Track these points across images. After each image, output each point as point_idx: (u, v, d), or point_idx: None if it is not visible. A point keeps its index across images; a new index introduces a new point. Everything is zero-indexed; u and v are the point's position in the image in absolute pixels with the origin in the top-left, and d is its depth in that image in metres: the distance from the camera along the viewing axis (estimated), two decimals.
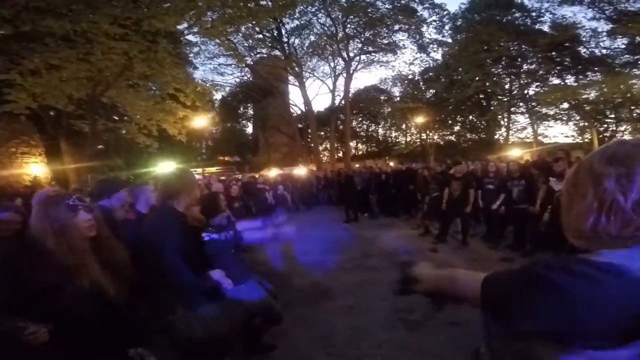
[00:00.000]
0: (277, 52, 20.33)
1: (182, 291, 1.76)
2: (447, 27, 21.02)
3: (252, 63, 20.39)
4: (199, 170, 16.82)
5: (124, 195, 3.24)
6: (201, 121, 12.87)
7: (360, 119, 27.93)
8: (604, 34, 16.55)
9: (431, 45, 21.49)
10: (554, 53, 17.93)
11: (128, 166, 14.95)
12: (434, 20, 20.74)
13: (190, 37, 13.79)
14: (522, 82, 20.50)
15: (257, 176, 11.85)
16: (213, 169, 19.50)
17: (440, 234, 5.88)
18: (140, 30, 8.35)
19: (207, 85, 12.22)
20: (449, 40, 21.11)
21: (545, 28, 18.49)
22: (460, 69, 19.68)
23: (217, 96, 20.93)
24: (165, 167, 15.57)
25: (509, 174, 5.24)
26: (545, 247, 4.50)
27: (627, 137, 16.94)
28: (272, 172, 20.40)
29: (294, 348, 2.79)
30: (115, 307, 1.35)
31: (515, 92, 20.97)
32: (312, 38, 20.45)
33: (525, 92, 20.52)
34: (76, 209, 1.36)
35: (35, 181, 11.62)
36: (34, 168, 11.92)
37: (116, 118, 13.36)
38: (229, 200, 4.56)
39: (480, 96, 21.78)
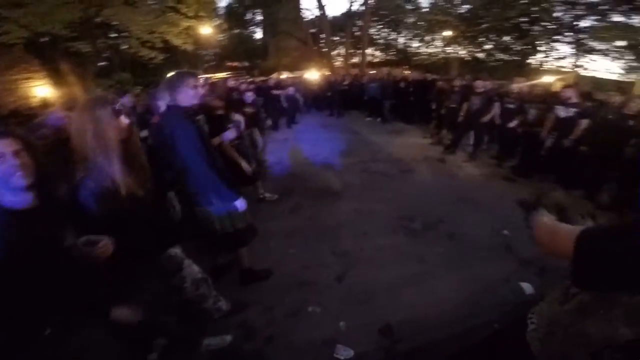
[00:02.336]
0: None
1: (205, 186, 1.86)
2: None
3: None
4: (207, 76, 16.21)
5: (127, 100, 3.35)
6: (207, 29, 12.05)
7: (380, 26, 25.10)
8: None
9: None
10: None
11: (136, 79, 14.59)
12: None
13: None
14: (577, 13, 17.46)
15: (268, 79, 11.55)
16: (222, 74, 18.73)
17: (451, 145, 5.92)
18: None
19: None
20: None
21: None
22: None
23: (222, 3, 18.73)
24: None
25: (529, 96, 4.98)
26: (545, 171, 4.56)
27: None
28: (283, 76, 19.66)
29: (304, 247, 3.02)
30: (147, 207, 1.44)
31: (566, 21, 18.05)
32: None
33: (577, 23, 17.68)
34: (120, 113, 1.41)
35: (43, 102, 11.61)
36: (40, 91, 11.86)
37: (115, 35, 12.67)
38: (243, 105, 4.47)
39: (522, 19, 18.94)
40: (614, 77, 19.02)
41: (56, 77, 12.16)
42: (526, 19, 19.16)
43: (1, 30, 8.54)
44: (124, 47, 12.77)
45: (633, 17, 16.24)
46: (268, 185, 4.08)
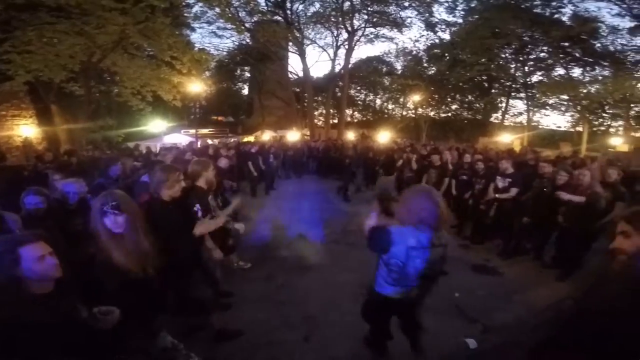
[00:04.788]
0: (278, 18, 19.55)
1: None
2: (459, 8, 20.30)
3: (251, 27, 19.67)
4: (192, 131, 16.86)
5: (116, 169, 3.72)
6: (196, 86, 12.77)
7: (358, 87, 27.57)
8: (625, 31, 16.48)
9: (439, 25, 20.93)
10: (566, 44, 17.75)
11: (119, 126, 14.91)
12: (447, 1, 19.99)
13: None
14: (527, 69, 20.34)
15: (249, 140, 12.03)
16: (206, 130, 19.48)
17: None
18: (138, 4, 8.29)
19: (205, 53, 11.99)
20: (460, 20, 20.51)
21: (564, 19, 18.05)
22: (466, 49, 19.35)
23: (214, 62, 20.33)
24: (156, 126, 15.65)
25: (478, 168, 5.63)
26: (489, 238, 5.19)
27: (619, 134, 17.50)
28: (265, 135, 20.63)
29: (274, 311, 3.29)
30: (139, 284, 1.73)
31: (519, 78, 20.87)
32: (317, 5, 19.67)
33: (528, 79, 20.49)
34: (106, 214, 1.70)
35: (26, 142, 11.66)
36: (25, 130, 11.89)
37: (109, 79, 13.27)
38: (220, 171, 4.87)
39: (483, 77, 21.62)
40: (563, 129, 21.53)
41: (44, 116, 12.14)
42: (485, 77, 21.76)
43: (9, 74, 8.80)
44: (115, 95, 13.17)
45: (573, 70, 18.81)
46: (242, 254, 4.32)
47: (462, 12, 20.33)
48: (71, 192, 2.79)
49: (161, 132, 16.09)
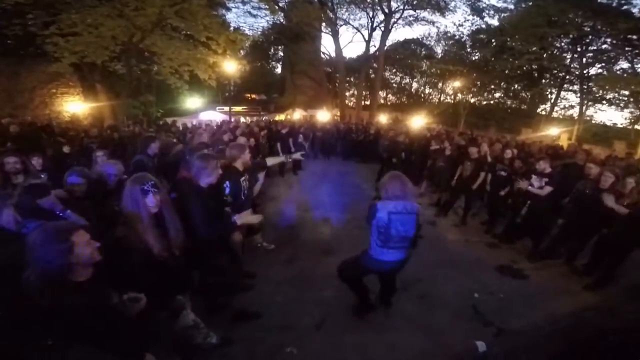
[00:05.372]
0: None
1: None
2: None
3: (285, 7, 19.22)
4: (226, 108, 17.25)
5: (155, 147, 3.88)
6: (231, 65, 12.93)
7: (394, 70, 26.45)
8: None
9: (487, 10, 19.17)
10: (634, 37, 15.67)
11: (158, 102, 15.58)
12: None
13: None
14: (585, 60, 18.29)
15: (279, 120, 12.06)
16: (239, 108, 19.81)
17: (443, 208, 6.25)
18: None
19: (239, 33, 12.07)
20: (511, 6, 18.64)
21: (634, 10, 15.79)
22: (516, 37, 17.68)
23: (248, 42, 20.35)
24: (193, 103, 16.20)
25: (518, 164, 5.32)
26: (519, 237, 4.92)
27: None
28: (296, 114, 20.65)
29: (292, 295, 3.39)
30: (164, 265, 1.83)
31: (574, 69, 18.84)
32: None
33: (586, 71, 18.44)
34: (147, 192, 1.80)
35: (73, 118, 12.54)
36: (72, 106, 12.79)
37: (149, 58, 13.72)
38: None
39: (532, 67, 19.77)
40: (620, 126, 19.44)
41: (90, 94, 13.08)
42: (536, 67, 19.89)
43: (57, 55, 9.48)
44: (154, 73, 13.75)
45: (638, 64, 16.77)
46: (267, 234, 4.47)
47: None
48: (111, 174, 2.95)
49: (197, 109, 16.64)
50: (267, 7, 15.43)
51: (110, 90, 12.98)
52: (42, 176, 3.30)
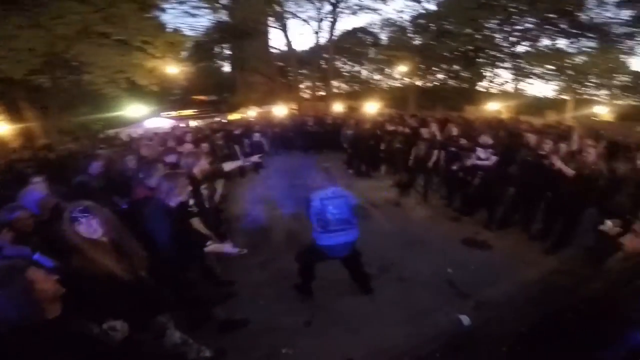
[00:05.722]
0: None
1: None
2: None
3: (227, 3, 18.46)
4: (173, 113, 16.28)
5: (97, 166, 3.60)
6: (173, 69, 12.20)
7: (343, 59, 26.79)
8: (611, 3, 16.25)
9: None
10: (552, 15, 17.45)
11: (97, 114, 14.27)
12: None
13: None
14: (512, 39, 20.09)
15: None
16: (189, 112, 18.83)
17: (404, 187, 6.56)
18: None
19: (179, 34, 11.37)
20: None
21: None
22: (451, 20, 18.86)
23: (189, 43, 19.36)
24: (136, 111, 15.02)
25: (464, 141, 5.70)
26: (476, 208, 5.27)
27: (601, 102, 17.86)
28: (251, 112, 20.13)
29: (274, 297, 3.38)
30: (132, 289, 1.73)
31: (504, 48, 20.67)
32: None
33: (513, 49, 20.28)
34: (76, 220, 1.66)
35: (0, 140, 11.05)
36: None
37: (78, 68, 12.49)
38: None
39: (468, 47, 21.28)
40: (550, 97, 21.82)
41: (14, 113, 11.62)
42: (471, 48, 21.33)
43: None
44: (86, 83, 12.54)
45: (558, 41, 18.82)
46: (237, 240, 4.35)
47: None
48: (32, 201, 2.58)
49: (141, 116, 15.49)
50: (207, 5, 14.68)
51: (36, 107, 11.59)
52: None
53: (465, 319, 2.99)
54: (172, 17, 20.90)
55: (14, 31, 8.05)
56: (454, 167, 5.66)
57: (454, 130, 6.04)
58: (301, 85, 24.56)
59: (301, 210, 5.61)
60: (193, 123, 15.18)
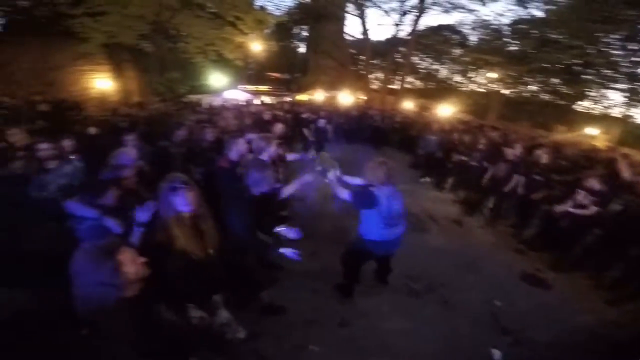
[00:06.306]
0: None
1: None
2: None
3: None
4: (249, 87, 17.16)
5: (181, 134, 3.84)
6: (258, 45, 12.71)
7: (422, 55, 25.28)
8: None
9: (533, 1, 17.49)
10: None
11: (184, 79, 15.63)
12: None
13: None
14: (635, 59, 16.72)
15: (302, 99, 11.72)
16: (264, 87, 19.71)
17: (471, 207, 6.05)
18: None
19: (266, 13, 11.75)
20: None
21: None
22: (562, 29, 16.37)
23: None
24: (217, 80, 16.14)
25: (555, 168, 5.11)
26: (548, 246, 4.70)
27: None
28: (318, 95, 20.32)
29: (316, 291, 3.39)
30: (201, 266, 1.81)
31: (622, 67, 17.33)
32: None
33: (634, 70, 16.88)
34: (177, 190, 1.74)
35: (102, 96, 12.72)
36: (100, 83, 12.78)
37: (175, 36, 13.65)
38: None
39: (575, 61, 18.33)
40: None
41: (118, 72, 13.27)
42: (579, 62, 18.41)
43: (85, 36, 9.61)
44: (180, 51, 13.62)
45: None
46: (290, 223, 4.44)
47: None
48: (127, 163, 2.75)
49: (221, 87, 16.59)
50: None
51: (137, 68, 13.07)
52: (73, 158, 3.32)
53: (497, 354, 2.82)
54: None
55: None
56: (536, 196, 5.06)
57: (544, 158, 5.30)
58: (371, 76, 23.93)
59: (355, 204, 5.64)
60: (265, 99, 15.84)
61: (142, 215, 1.82)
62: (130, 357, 1.29)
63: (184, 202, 1.75)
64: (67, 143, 3.55)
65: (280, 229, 2.67)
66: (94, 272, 1.21)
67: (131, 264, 1.30)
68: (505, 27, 19.98)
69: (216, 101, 13.14)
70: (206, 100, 13.07)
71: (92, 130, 5.20)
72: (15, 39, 10.74)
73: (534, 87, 21.88)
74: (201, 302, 1.81)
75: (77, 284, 1.21)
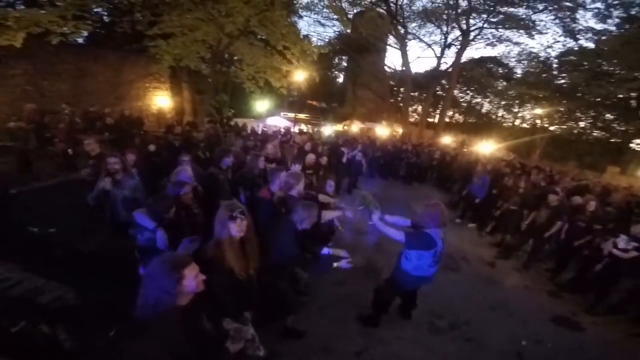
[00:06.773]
0: (381, 10, 18.47)
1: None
2: (614, 15, 15.80)
3: (353, 17, 19.31)
4: (290, 114, 18.03)
5: (228, 161, 4.00)
6: (301, 75, 13.43)
7: (464, 88, 25.01)
8: None
9: (583, 33, 16.76)
10: None
11: (231, 102, 16.78)
12: (597, 8, 15.73)
13: None
14: None
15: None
16: (302, 115, 20.56)
17: (507, 251, 5.81)
18: None
19: (312, 44, 12.52)
20: (612, 28, 16.07)
21: None
22: (615, 62, 15.49)
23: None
24: (261, 106, 17.24)
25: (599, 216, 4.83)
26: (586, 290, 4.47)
27: None
28: (354, 126, 20.68)
29: (336, 319, 3.45)
30: (243, 285, 2.02)
31: None
32: (424, 0, 18.08)
33: None
34: (235, 219, 2.00)
35: (159, 112, 14.05)
36: (160, 100, 14.17)
37: (229, 63, 14.90)
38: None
39: (631, 95, 17.07)
40: None
41: (177, 90, 14.54)
42: (635, 95, 17.10)
43: (158, 57, 10.88)
44: (233, 76, 14.78)
45: None
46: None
47: (617, 20, 15.95)
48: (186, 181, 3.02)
49: (264, 112, 17.62)
50: (337, 17, 15.81)
51: (193, 89, 14.34)
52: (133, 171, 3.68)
53: None
54: (305, 25, 23.28)
55: (197, 24, 10.08)
56: (578, 243, 4.83)
57: (592, 206, 5.00)
58: (410, 109, 23.88)
59: (384, 240, 5.61)
60: (303, 127, 16.52)
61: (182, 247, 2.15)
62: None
63: (239, 229, 2.02)
64: (131, 157, 3.95)
65: (331, 249, 2.94)
66: (161, 278, 1.43)
67: (194, 278, 1.50)
68: (554, 59, 19.25)
69: (259, 126, 13.95)
70: (250, 124, 13.89)
71: (152, 147, 5.66)
72: (95, 52, 12.16)
73: (583, 124, 20.55)
74: (235, 316, 2.00)
75: (144, 285, 1.44)
